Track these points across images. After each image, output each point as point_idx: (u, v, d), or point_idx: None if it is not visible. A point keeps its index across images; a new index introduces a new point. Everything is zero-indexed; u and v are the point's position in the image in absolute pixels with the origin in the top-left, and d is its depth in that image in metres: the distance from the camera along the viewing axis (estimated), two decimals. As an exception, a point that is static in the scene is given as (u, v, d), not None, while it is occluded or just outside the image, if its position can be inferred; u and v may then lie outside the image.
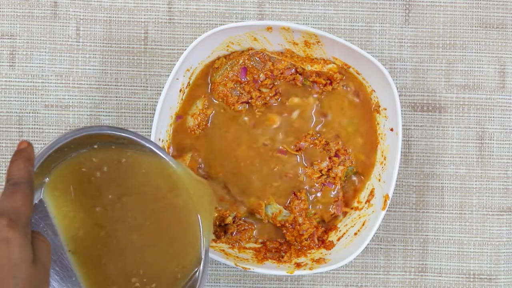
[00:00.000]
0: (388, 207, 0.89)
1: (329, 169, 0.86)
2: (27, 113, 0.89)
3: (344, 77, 0.86)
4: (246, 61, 0.85)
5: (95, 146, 0.71)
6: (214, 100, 0.86)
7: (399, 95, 0.89)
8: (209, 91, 0.86)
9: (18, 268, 0.58)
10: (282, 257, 0.85)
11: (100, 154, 0.71)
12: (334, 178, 0.86)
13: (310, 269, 0.82)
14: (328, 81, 0.86)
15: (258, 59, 0.85)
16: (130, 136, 0.70)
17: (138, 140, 0.71)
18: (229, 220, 0.85)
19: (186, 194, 0.72)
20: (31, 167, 0.64)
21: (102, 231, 0.71)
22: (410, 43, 0.90)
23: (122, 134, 0.70)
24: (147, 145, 0.71)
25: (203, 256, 0.72)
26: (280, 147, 0.86)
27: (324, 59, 0.86)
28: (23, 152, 0.64)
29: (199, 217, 0.73)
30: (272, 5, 0.90)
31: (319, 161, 0.86)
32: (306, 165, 0.86)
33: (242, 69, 0.85)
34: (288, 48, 0.86)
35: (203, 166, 0.86)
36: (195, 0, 0.89)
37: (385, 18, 0.90)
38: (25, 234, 0.60)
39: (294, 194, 0.86)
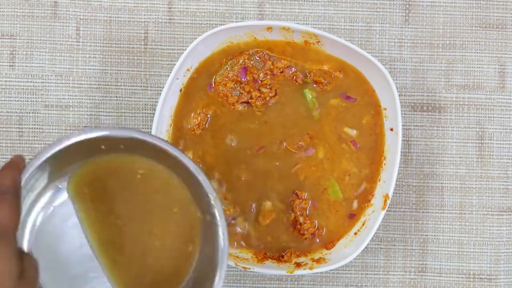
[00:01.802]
0: (388, 207, 0.89)
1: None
2: (27, 113, 0.89)
3: (341, 75, 0.86)
4: (246, 60, 0.85)
5: (103, 147, 0.72)
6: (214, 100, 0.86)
7: (399, 95, 0.89)
8: (211, 89, 0.86)
9: (2, 280, 0.56)
10: (282, 256, 0.85)
11: (141, 163, 0.73)
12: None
13: (310, 269, 0.83)
14: (327, 80, 0.86)
15: (258, 58, 0.86)
16: (161, 145, 0.69)
17: (166, 148, 0.70)
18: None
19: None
20: (18, 176, 0.62)
21: (125, 226, 0.73)
22: (410, 43, 0.90)
23: (155, 142, 0.69)
24: (179, 157, 0.70)
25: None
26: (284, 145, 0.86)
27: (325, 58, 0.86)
28: (11, 162, 0.63)
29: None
30: (272, 5, 0.90)
31: (319, 160, 0.86)
32: (306, 164, 0.86)
33: (242, 69, 0.85)
34: (288, 48, 0.87)
35: (203, 165, 0.86)
36: (195, 0, 0.89)
37: (385, 18, 0.90)
38: (11, 247, 0.58)
39: (295, 193, 0.86)
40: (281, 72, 0.86)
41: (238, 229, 0.86)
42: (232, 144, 0.86)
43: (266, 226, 0.86)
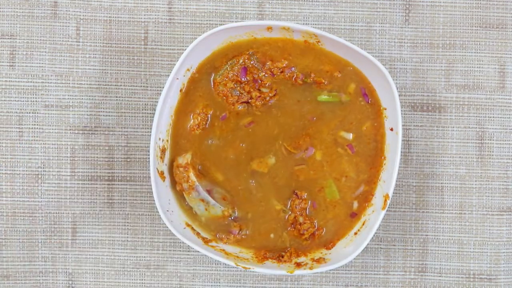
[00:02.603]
0: (388, 207, 0.89)
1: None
2: (27, 113, 0.89)
3: (340, 75, 0.86)
4: (246, 61, 0.85)
5: None
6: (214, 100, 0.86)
7: (399, 95, 0.89)
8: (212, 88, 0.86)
9: None
10: (282, 256, 0.85)
11: None
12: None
13: (310, 268, 0.83)
14: (327, 80, 0.86)
15: (258, 58, 0.86)
16: None
17: None
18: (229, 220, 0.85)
19: None
20: None
21: None
22: (410, 43, 0.90)
23: None
24: None
25: None
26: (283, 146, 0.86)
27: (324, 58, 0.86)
28: None
29: None
30: (272, 5, 0.90)
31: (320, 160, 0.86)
32: (306, 164, 0.86)
33: (242, 69, 0.85)
34: (288, 48, 0.87)
35: (203, 166, 0.86)
36: (195, 0, 0.90)
37: (385, 18, 0.90)
38: None
39: (295, 193, 0.86)
40: (281, 72, 0.86)
41: (238, 229, 0.86)
42: (232, 144, 0.86)
43: (266, 226, 0.86)
